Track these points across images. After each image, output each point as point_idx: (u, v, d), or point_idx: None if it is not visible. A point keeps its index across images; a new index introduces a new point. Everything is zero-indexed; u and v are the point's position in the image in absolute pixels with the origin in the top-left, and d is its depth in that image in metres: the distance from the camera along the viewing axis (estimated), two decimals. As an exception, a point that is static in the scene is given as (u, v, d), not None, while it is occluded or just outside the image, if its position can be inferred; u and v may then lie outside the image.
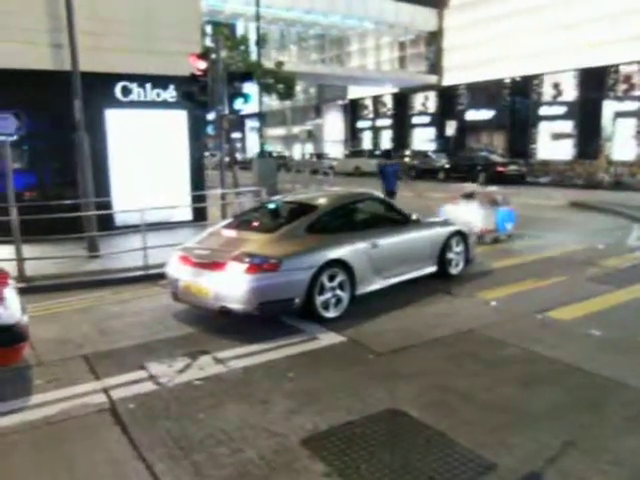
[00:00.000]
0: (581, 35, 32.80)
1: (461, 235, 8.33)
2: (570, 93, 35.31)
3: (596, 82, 33.23)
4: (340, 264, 6.43)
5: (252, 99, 12.79)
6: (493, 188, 14.00)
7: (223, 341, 5.81)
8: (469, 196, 11.82)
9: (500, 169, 27.48)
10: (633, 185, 24.06)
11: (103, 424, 4.11)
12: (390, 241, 7.22)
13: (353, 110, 52.15)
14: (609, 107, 33.01)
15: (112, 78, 12.28)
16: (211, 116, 12.77)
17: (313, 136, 54.37)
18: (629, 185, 24.20)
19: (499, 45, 37.35)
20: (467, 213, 10.77)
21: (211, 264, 6.14)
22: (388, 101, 48.83)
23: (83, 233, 9.75)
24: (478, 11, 38.91)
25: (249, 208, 9.26)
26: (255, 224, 7.36)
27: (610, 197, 19.26)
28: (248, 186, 16.48)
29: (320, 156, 43.25)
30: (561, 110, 35.86)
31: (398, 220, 7.70)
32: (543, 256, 9.84)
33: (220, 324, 6.28)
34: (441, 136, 41.73)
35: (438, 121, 43.00)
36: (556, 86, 36.15)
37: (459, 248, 8.29)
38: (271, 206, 8.00)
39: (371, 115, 50.79)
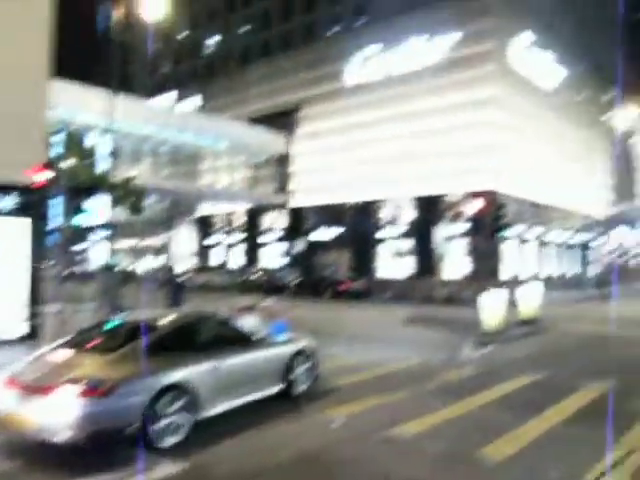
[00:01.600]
0: (414, 167, 36.66)
1: (306, 352, 8.46)
2: (408, 216, 38.68)
3: (430, 207, 36.92)
4: (180, 387, 6.18)
5: (95, 213, 12.50)
6: (272, 301, 14.54)
7: (44, 477, 5.20)
8: (248, 309, 12.09)
9: (344, 286, 28.78)
10: (464, 301, 26.24)
11: None
12: (234, 362, 7.13)
13: (205, 225, 52.55)
14: (441, 229, 36.60)
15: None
16: (54, 226, 12.20)
17: (163, 250, 53.44)
18: (461, 301, 26.35)
19: (344, 172, 40.46)
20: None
21: (39, 388, 5.60)
22: (240, 218, 49.98)
23: None
24: (324, 141, 42.25)
25: (87, 326, 8.71)
26: (91, 344, 6.89)
27: (444, 312, 20.80)
28: (90, 300, 15.61)
29: (170, 270, 42.29)
30: (400, 231, 38.98)
31: (242, 339, 7.66)
32: (385, 371, 10.23)
33: (43, 456, 5.65)
34: (290, 253, 43.19)
35: (287, 239, 44.64)
36: (396, 210, 39.47)
37: (305, 366, 8.37)
38: (110, 324, 7.59)
39: (222, 231, 51.45)
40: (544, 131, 40.67)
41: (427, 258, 36.65)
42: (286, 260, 43.82)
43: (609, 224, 53.89)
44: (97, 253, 55.51)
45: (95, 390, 5.47)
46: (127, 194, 28.99)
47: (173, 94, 58.25)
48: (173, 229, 55.20)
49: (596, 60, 65.47)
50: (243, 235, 49.30)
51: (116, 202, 28.34)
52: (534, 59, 39.06)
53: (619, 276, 54.45)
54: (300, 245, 39.17)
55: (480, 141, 34.29)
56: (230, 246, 50.57)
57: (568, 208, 44.41)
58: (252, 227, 48.40)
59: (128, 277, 34.95)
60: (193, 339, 7.15)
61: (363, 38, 41.47)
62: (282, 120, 44.81)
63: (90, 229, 53.73)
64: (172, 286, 13.16)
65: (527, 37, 38.04)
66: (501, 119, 34.88)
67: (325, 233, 42.75)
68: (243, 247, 49.17)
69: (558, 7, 61.59)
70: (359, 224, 40.51)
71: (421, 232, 37.30)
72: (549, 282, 40.93)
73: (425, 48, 37.43)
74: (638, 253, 65.80)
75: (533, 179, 38.75)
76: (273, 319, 11.42)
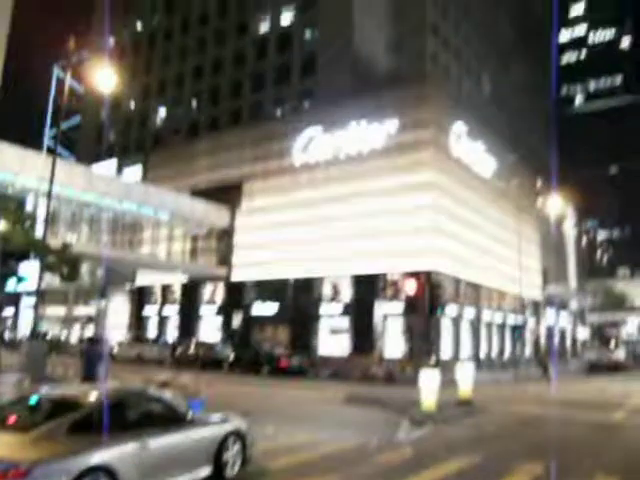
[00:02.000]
0: (354, 246, 37.28)
1: (239, 433, 8.16)
2: (347, 294, 38.91)
3: (369, 285, 37.32)
4: (105, 470, 5.81)
5: (27, 280, 12.05)
6: (188, 377, 14.19)
7: None
8: (163, 385, 11.74)
9: (283, 363, 28.31)
10: (402, 380, 26.21)
11: None
12: (163, 442, 6.79)
13: (140, 296, 51.16)
14: (380, 308, 36.90)
15: None
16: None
17: (96, 319, 51.52)
18: (399, 380, 26.31)
19: (284, 248, 40.67)
20: None
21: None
22: (177, 290, 49.00)
23: None
24: (266, 217, 42.61)
25: (5, 400, 8.17)
26: (8, 421, 6.43)
27: (382, 391, 20.63)
28: (14, 370, 14.71)
29: (89, 341, 40.77)
30: (339, 308, 39.05)
31: (173, 418, 7.34)
32: (320, 453, 9.93)
33: None
34: (228, 327, 42.38)
35: (225, 312, 43.91)
36: (335, 287, 39.70)
37: (236, 447, 8.06)
38: (30, 399, 7.11)
39: (159, 302, 50.16)
40: (479, 214, 42.47)
41: (366, 336, 36.72)
42: (224, 334, 42.92)
43: (542, 305, 55.84)
44: (26, 320, 53.14)
45: (7, 473, 5.07)
46: (62, 261, 28.17)
47: (117, 162, 58.00)
48: (107, 298, 53.47)
49: (528, 149, 69.85)
50: (180, 307, 48.20)
51: (50, 268, 27.49)
52: (468, 148, 41.21)
53: (553, 357, 55.92)
54: (239, 319, 38.54)
55: (418, 222, 35.40)
56: (166, 318, 49.24)
57: (503, 289, 45.86)
58: (190, 299, 47.44)
59: (56, 346, 33.30)
60: (119, 417, 6.65)
61: (308, 119, 42.99)
62: (226, 194, 45.11)
63: (20, 295, 51.71)
64: (90, 357, 12.59)
65: (461, 127, 40.23)
66: (439, 202, 36.28)
67: (265, 308, 42.36)
68: (180, 319, 47.95)
69: (490, 100, 66.17)
70: (299, 300, 40.44)
71: (360, 310, 37.52)
72: (485, 362, 41.68)
73: (366, 133, 38.97)
74: (572, 334, 68.15)
75: (469, 260, 40.05)
76: (190, 395, 11.02)
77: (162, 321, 49.40)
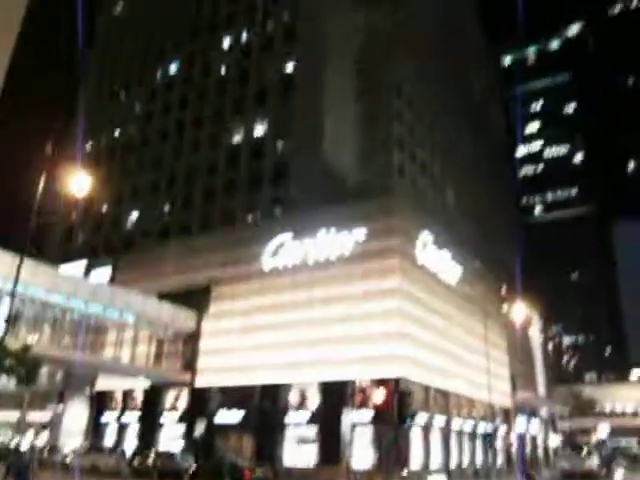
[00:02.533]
0: (321, 352, 37.04)
1: None
2: (314, 402, 38.05)
3: (336, 393, 36.65)
4: None
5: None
6: None
7: None
8: None
9: (247, 475, 27.22)
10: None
11: None
12: None
13: (100, 401, 49.12)
14: (348, 416, 36.04)
15: None
16: None
17: (50, 427, 48.96)
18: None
19: (251, 354, 40.14)
20: None
21: None
22: (139, 396, 47.28)
23: None
24: (233, 321, 42.36)
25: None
26: None
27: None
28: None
29: (53, 449, 38.69)
30: (306, 417, 38.01)
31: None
32: None
33: None
34: (190, 435, 40.71)
35: (188, 420, 42.30)
36: (302, 395, 38.86)
37: None
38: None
39: (119, 408, 48.14)
40: (447, 321, 42.95)
41: (334, 445, 35.58)
42: (186, 443, 41.10)
43: (513, 413, 55.27)
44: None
45: None
46: (21, 363, 27.21)
47: (86, 263, 57.66)
48: (65, 403, 51.18)
49: (492, 257, 72.07)
50: (141, 414, 46.29)
51: (8, 371, 26.48)
52: (434, 256, 42.35)
53: (520, 466, 54.69)
54: (202, 427, 37.15)
55: (386, 329, 35.58)
56: (126, 425, 47.12)
57: (472, 396, 45.52)
58: (152, 406, 45.70)
59: (4, 455, 31.41)
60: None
61: (278, 226, 43.97)
62: (194, 298, 44.97)
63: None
64: (16, 469, 11.96)
65: (427, 236, 41.51)
66: (406, 309, 36.72)
67: (229, 416, 41.00)
68: (140, 427, 45.90)
69: (455, 210, 69.01)
70: (265, 408, 39.38)
71: (328, 418, 36.60)
72: (456, 472, 40.52)
73: (334, 240, 39.91)
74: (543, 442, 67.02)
75: (438, 367, 40.01)
76: None
77: (121, 428, 47.19)
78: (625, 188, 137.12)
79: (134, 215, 62.90)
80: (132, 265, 52.47)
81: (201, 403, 42.38)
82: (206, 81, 62.63)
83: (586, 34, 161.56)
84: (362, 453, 35.04)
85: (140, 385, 46.41)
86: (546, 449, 70.52)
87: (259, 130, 55.64)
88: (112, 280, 52.12)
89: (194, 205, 56.96)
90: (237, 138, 57.08)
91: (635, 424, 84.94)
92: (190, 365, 44.32)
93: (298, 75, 54.49)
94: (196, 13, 68.21)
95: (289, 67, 55.98)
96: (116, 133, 69.82)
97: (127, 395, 47.97)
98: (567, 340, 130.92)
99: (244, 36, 62.31)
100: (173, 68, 67.66)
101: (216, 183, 56.00)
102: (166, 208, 60.06)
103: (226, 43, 63.57)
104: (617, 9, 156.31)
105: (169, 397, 45.67)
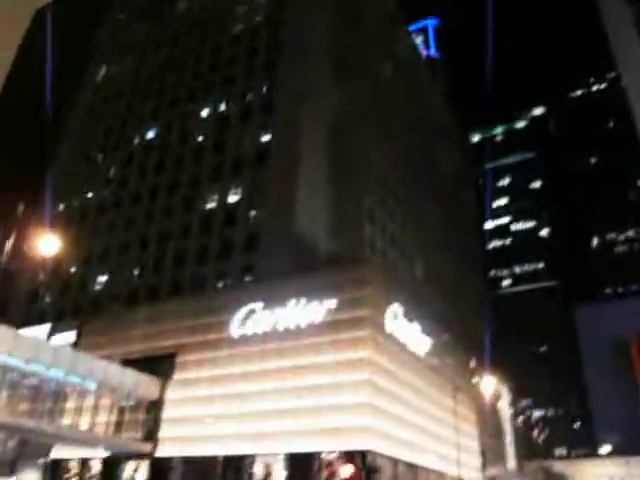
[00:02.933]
0: (288, 423, 36.28)
1: None
2: (280, 475, 36.89)
3: (303, 466, 35.64)
4: None
5: None
6: None
7: None
8: None
9: None
10: None
11: None
12: None
13: (54, 472, 46.78)
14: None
15: None
16: None
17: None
18: None
19: (216, 423, 39.03)
20: None
21: None
22: (96, 465, 45.22)
23: None
24: (199, 389, 41.40)
25: None
26: None
27: None
28: None
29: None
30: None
31: None
32: None
33: None
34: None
35: None
36: (267, 467, 37.66)
37: None
38: None
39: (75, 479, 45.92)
40: (416, 393, 42.65)
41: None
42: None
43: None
44: None
45: None
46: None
47: (51, 326, 56.29)
48: (17, 473, 48.68)
49: (461, 329, 72.52)
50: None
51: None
52: (404, 327, 42.51)
53: None
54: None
55: (356, 400, 35.16)
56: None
57: (442, 470, 44.71)
58: (109, 477, 43.70)
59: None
60: None
61: (248, 294, 43.81)
62: (159, 364, 44.05)
63: None
64: None
65: (397, 308, 41.78)
66: (376, 380, 36.46)
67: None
68: None
69: (424, 282, 69.88)
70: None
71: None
72: None
73: (304, 310, 39.87)
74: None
75: (406, 440, 39.41)
76: None
77: (75, 503, 44.87)
78: (589, 263, 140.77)
79: (103, 278, 62.16)
80: (98, 329, 51.36)
81: (162, 474, 40.75)
82: (183, 148, 63.75)
83: (549, 116, 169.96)
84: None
85: (99, 454, 44.51)
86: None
87: (233, 198, 56.39)
88: (76, 344, 50.87)
89: (164, 270, 56.66)
90: (211, 204, 57.67)
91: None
92: (152, 434, 42.85)
93: (273, 147, 55.96)
94: (177, 81, 70.23)
95: (265, 138, 57.51)
96: (89, 195, 69.90)
97: (84, 465, 45.85)
98: (537, 414, 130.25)
99: (222, 106, 64.11)
100: (151, 134, 68.83)
101: (188, 248, 56.04)
102: (136, 272, 59.57)
103: (205, 112, 65.23)
104: (578, 92, 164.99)
105: (128, 468, 43.81)
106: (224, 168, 58.54)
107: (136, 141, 69.62)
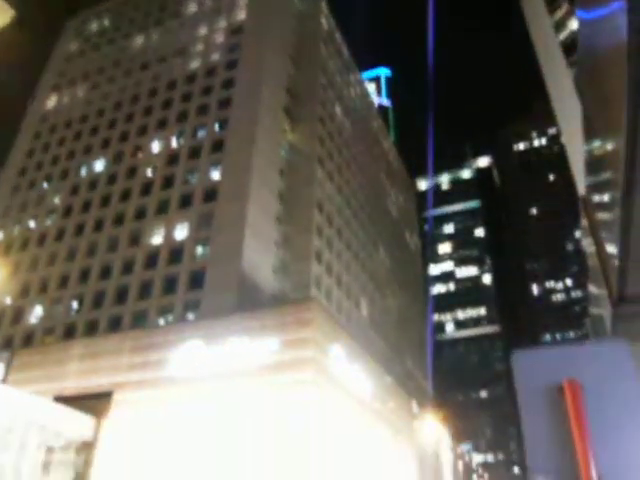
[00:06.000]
0: (229, 468, 35.14)
1: None
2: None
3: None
4: None
5: None
6: None
7: None
8: None
9: None
10: None
11: None
12: None
13: (-28, 518, 43.77)
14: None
15: None
16: None
17: None
18: None
19: (152, 466, 37.54)
20: None
21: None
22: (19, 511, 42.58)
23: None
24: (135, 430, 39.77)
25: None
26: None
27: None
28: None
29: None
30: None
31: None
32: None
33: None
34: None
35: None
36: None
37: None
38: None
39: (-6, 527, 42.98)
40: (358, 436, 42.24)
41: None
42: None
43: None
44: None
45: None
46: None
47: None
48: None
49: (404, 372, 72.83)
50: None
51: None
52: (346, 369, 42.34)
53: None
54: None
55: (298, 444, 34.49)
56: None
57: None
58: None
59: None
60: None
61: (190, 331, 42.90)
62: (94, 403, 42.26)
63: None
64: None
65: (340, 349, 41.66)
66: (317, 423, 35.94)
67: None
68: None
69: (368, 324, 70.19)
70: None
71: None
72: None
73: (247, 349, 39.23)
74: None
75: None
76: None
77: None
78: (529, 310, 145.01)
79: (39, 310, 59.85)
80: (30, 364, 48.99)
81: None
82: (131, 181, 62.97)
83: (492, 167, 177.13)
84: None
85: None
86: None
87: (180, 234, 55.79)
88: (4, 380, 48.36)
89: (104, 304, 55.07)
90: (157, 240, 56.83)
91: None
92: (82, 477, 40.76)
93: (223, 185, 55.99)
94: (129, 115, 69.78)
95: (215, 176, 57.52)
96: (31, 224, 67.81)
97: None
98: (477, 458, 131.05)
99: (174, 142, 63.96)
100: (99, 166, 67.78)
101: (130, 283, 54.78)
102: (75, 305, 57.66)
103: (155, 147, 64.86)
104: (521, 146, 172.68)
105: (54, 514, 41.38)
106: (172, 203, 58.04)
107: (83, 172, 68.39)
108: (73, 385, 44.68)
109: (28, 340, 56.88)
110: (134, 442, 39.51)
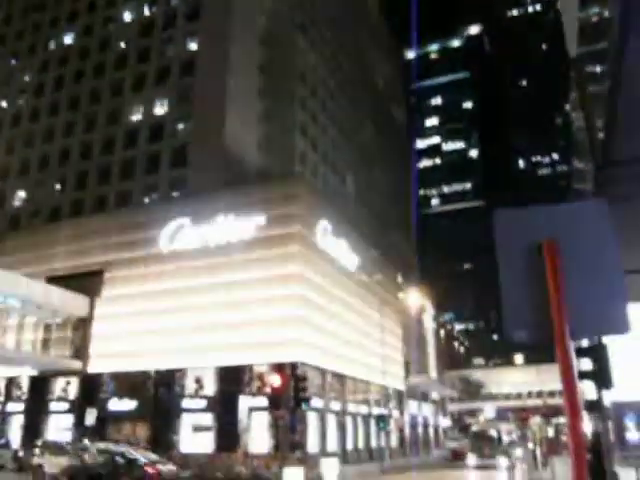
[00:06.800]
0: (219, 337, 36.66)
1: None
2: (210, 387, 37.67)
3: (233, 379, 36.45)
4: None
5: None
6: None
7: None
8: None
9: (152, 469, 24.48)
10: (268, 477, 25.38)
11: None
12: None
13: (-20, 391, 46.03)
14: (244, 402, 35.97)
15: None
16: None
17: None
18: (265, 478, 25.44)
19: (145, 338, 39.02)
20: None
21: None
22: (24, 384, 44.75)
23: None
24: (128, 306, 40.87)
25: None
26: None
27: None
28: None
29: None
30: (202, 403, 37.52)
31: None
32: None
33: None
34: (81, 424, 39.11)
35: (78, 408, 40.60)
36: (198, 380, 38.26)
37: None
38: None
39: (2, 399, 45.35)
40: (345, 307, 43.85)
41: (231, 432, 35.44)
42: (76, 434, 39.42)
43: (405, 396, 57.58)
44: None
45: None
46: None
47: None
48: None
49: (390, 246, 74.23)
50: (27, 404, 43.81)
51: None
52: (333, 243, 42.99)
53: (416, 446, 57.32)
54: (93, 416, 35.73)
55: (285, 313, 35.78)
56: (9, 416, 44.48)
57: (368, 380, 46.94)
58: (39, 395, 43.40)
59: None
60: None
61: (176, 209, 42.85)
62: (86, 281, 43.07)
63: None
64: None
65: (326, 224, 41.99)
66: (305, 294, 37.07)
67: (123, 403, 39.76)
68: (26, 418, 43.46)
69: (355, 199, 70.37)
70: (160, 394, 38.54)
71: (225, 404, 36.36)
72: (352, 454, 41.76)
73: (232, 225, 39.46)
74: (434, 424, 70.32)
75: (335, 351, 40.80)
76: None
77: (4, 420, 44.53)
78: (515, 185, 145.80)
79: (22, 193, 59.23)
80: (19, 247, 49.30)
81: (93, 391, 40.81)
82: (104, 55, 59.82)
83: (483, 35, 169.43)
84: (259, 438, 35.18)
85: (26, 373, 43.95)
86: (437, 430, 74.21)
87: (159, 110, 54.00)
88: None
89: (88, 185, 54.43)
90: (136, 116, 55.08)
91: (517, 405, 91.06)
92: (80, 352, 42.51)
93: (201, 56, 53.30)
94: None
95: (192, 46, 54.65)
96: (3, 104, 65.23)
97: (11, 384, 45.26)
98: (458, 327, 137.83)
99: (146, 11, 60.09)
100: (68, 39, 64.06)
101: (112, 162, 53.82)
102: (57, 187, 57.02)
103: (127, 16, 61.00)
104: (514, 12, 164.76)
105: (58, 385, 43.61)
106: (149, 78, 55.57)
107: (52, 46, 64.70)
108: (64, 266, 45.26)
109: (15, 224, 56.81)
110: (128, 316, 40.73)
